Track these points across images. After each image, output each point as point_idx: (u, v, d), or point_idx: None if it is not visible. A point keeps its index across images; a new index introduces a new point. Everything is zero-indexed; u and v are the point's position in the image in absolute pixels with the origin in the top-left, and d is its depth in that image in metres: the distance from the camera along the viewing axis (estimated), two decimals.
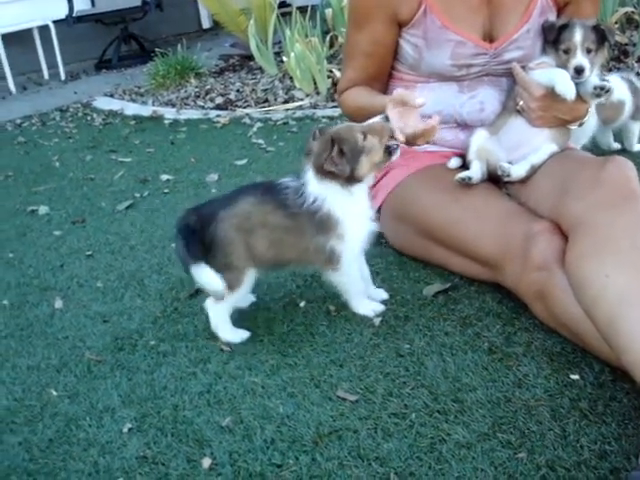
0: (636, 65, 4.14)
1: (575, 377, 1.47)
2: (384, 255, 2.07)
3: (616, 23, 4.35)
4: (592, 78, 1.82)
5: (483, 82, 1.95)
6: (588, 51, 1.82)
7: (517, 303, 1.72)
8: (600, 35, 1.83)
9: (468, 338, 1.64)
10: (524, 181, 1.88)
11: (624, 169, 1.60)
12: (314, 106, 4.12)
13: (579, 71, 1.80)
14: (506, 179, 1.87)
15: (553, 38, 1.85)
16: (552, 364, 1.53)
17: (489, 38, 1.91)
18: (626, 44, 4.33)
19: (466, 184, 1.86)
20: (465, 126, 1.99)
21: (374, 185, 2.12)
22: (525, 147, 1.88)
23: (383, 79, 2.11)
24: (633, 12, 4.39)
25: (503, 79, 1.95)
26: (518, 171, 1.85)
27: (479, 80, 1.95)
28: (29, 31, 6.82)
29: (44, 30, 6.82)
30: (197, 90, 4.85)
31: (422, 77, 2.00)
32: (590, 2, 1.96)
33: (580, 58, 1.81)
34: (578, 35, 1.82)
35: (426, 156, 2.03)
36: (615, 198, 1.53)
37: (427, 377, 1.52)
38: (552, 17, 1.93)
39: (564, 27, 1.83)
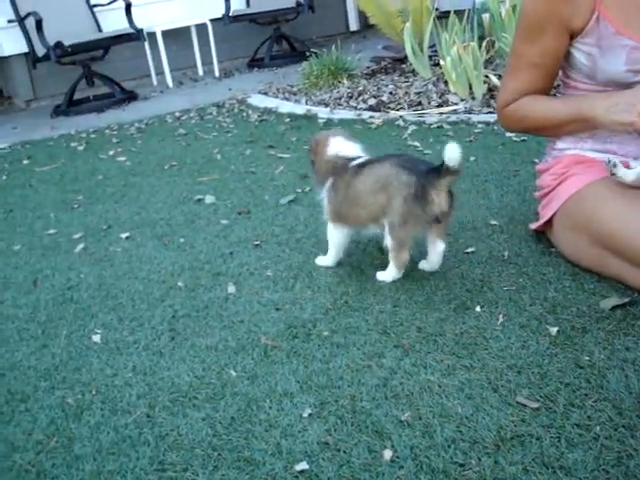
0: None
1: None
2: (555, 265, 2.04)
3: None
4: None
5: None
6: None
7: None
8: None
9: None
10: None
11: None
12: (469, 111, 4.09)
13: None
14: None
15: None
16: None
17: None
18: None
19: (610, 170, 1.85)
20: None
21: (547, 193, 2.10)
22: None
23: (548, 91, 2.09)
24: None
25: None
26: None
27: None
28: (187, 29, 7.14)
29: (201, 28, 7.12)
30: (349, 91, 4.92)
31: (599, 86, 1.95)
32: None
33: None
34: None
35: (603, 166, 1.99)
36: None
37: (610, 391, 1.49)
38: None
39: None
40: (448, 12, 4.72)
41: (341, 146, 2.16)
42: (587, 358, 1.60)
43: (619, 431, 1.38)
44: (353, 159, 2.11)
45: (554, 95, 2.16)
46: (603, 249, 1.88)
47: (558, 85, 2.17)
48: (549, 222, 2.10)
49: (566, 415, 1.43)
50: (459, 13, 4.71)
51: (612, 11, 1.84)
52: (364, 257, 2.28)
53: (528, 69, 2.03)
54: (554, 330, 1.71)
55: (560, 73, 2.11)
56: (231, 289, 2.19)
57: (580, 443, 1.35)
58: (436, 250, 2.05)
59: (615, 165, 1.85)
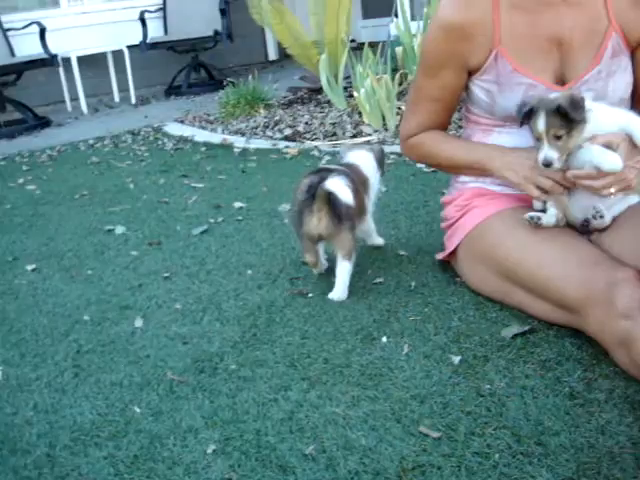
0: None
1: None
2: (460, 294, 2.08)
3: None
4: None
5: None
6: (557, 137, 1.75)
7: (597, 349, 1.72)
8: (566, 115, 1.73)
9: (549, 382, 1.64)
10: (605, 229, 1.89)
11: None
12: (382, 142, 4.16)
13: (547, 165, 1.77)
14: (596, 222, 1.87)
15: (524, 123, 1.83)
16: (635, 412, 1.52)
17: (560, 80, 1.93)
18: None
19: (535, 224, 1.89)
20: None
21: (451, 224, 2.15)
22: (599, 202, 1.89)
23: (446, 125, 2.19)
24: None
25: None
26: (606, 219, 1.86)
27: None
28: (103, 55, 7.06)
29: (118, 55, 7.05)
30: (266, 120, 4.95)
31: (498, 121, 2.02)
32: None
33: (546, 150, 1.76)
34: (541, 123, 1.75)
35: (505, 198, 2.05)
36: None
37: (509, 418, 1.52)
38: (625, 59, 1.91)
39: (530, 112, 1.78)
40: (364, 44, 4.82)
41: None
42: (488, 386, 1.64)
43: (517, 458, 1.41)
44: None
45: (456, 133, 2.23)
46: (505, 279, 1.94)
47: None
48: (454, 252, 2.15)
49: (466, 444, 1.46)
50: (374, 45, 4.81)
51: (510, 50, 1.92)
52: (273, 289, 2.28)
53: (428, 102, 2.11)
54: (457, 359, 1.75)
55: (463, 108, 2.18)
56: (138, 323, 2.15)
57: (479, 471, 1.38)
58: (339, 271, 2.12)
59: (539, 219, 1.90)
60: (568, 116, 1.73)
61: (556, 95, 1.78)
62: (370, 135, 4.30)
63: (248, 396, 1.71)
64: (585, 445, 1.43)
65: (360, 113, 4.55)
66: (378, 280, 2.24)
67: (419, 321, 1.95)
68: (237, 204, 3.26)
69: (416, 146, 2.16)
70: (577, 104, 1.74)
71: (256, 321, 2.07)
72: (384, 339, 1.89)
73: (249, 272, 2.43)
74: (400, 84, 4.57)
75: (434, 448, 1.45)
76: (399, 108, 4.34)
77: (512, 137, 2.00)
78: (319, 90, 5.29)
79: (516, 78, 1.92)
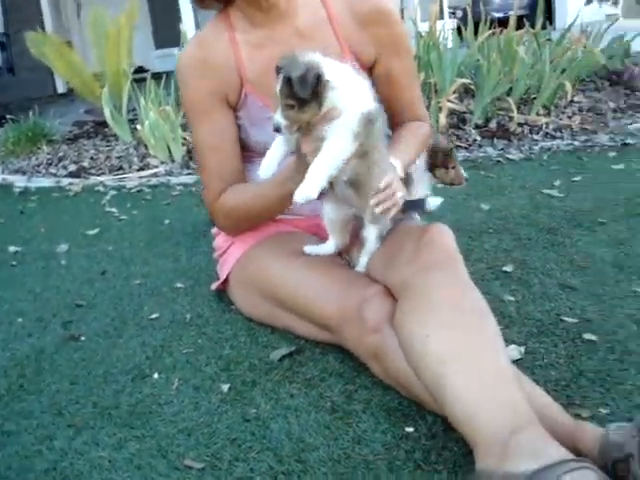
0: (474, 132, 4.48)
1: (410, 430, 1.57)
2: (233, 322, 2.12)
3: (454, 92, 4.70)
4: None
5: None
6: (290, 106, 1.61)
7: (358, 362, 1.81)
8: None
9: (312, 399, 1.71)
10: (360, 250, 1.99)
11: (442, 234, 1.75)
12: (169, 173, 4.16)
13: (276, 129, 1.66)
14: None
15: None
16: (390, 419, 1.62)
17: None
18: (464, 112, 4.69)
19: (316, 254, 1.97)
20: None
21: (222, 254, 2.19)
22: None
23: (240, 175, 2.07)
24: (470, 83, 4.76)
25: None
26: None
27: None
28: None
29: None
30: (49, 157, 4.79)
31: (257, 152, 2.04)
32: (398, 59, 2.03)
33: (277, 116, 1.64)
34: (277, 86, 1.61)
35: (272, 225, 2.12)
36: (435, 261, 1.66)
37: (272, 440, 1.57)
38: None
39: (277, 69, 1.63)
40: (156, 73, 4.79)
41: None
42: (254, 411, 1.68)
43: (278, 479, 1.45)
44: None
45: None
46: (273, 303, 2.00)
47: None
48: (227, 281, 2.19)
49: (230, 471, 1.48)
50: (158, 76, 4.80)
51: (257, 86, 1.98)
52: (45, 335, 2.20)
53: (211, 154, 2.02)
54: (226, 387, 1.78)
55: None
56: None
57: None
58: None
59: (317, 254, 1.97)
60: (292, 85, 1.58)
61: (300, 61, 1.60)
62: (157, 167, 4.28)
63: (12, 450, 1.63)
64: (342, 456, 1.50)
65: (146, 146, 4.52)
66: (154, 316, 2.23)
67: (191, 354, 1.97)
68: (12, 248, 3.11)
69: (223, 206, 2.02)
70: (305, 80, 1.56)
71: (24, 371, 1.99)
72: (155, 375, 1.88)
73: (19, 320, 2.33)
74: (184, 115, 4.58)
75: (197, 479, 1.47)
76: (184, 139, 4.36)
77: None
78: (105, 123, 5.19)
79: (265, 113, 1.94)
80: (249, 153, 2.09)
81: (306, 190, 1.65)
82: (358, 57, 2.00)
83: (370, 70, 2.04)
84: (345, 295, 1.79)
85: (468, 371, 1.42)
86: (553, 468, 1.17)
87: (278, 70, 1.62)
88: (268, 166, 1.79)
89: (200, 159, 2.08)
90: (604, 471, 1.21)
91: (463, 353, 1.44)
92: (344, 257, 2.05)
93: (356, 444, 1.54)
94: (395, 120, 2.06)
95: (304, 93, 1.58)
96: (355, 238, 2.00)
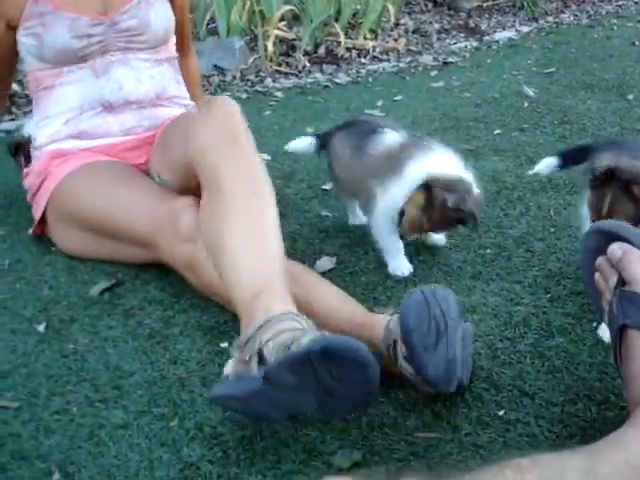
0: (303, 58, 4.52)
1: (224, 345, 1.63)
2: (54, 263, 2.08)
3: (282, 20, 4.69)
4: None
5: (112, 63, 2.09)
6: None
7: (177, 289, 1.86)
8: None
9: (130, 328, 1.74)
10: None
11: (227, 106, 1.76)
12: None
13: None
14: None
15: None
16: (205, 337, 1.69)
17: (104, 12, 2.06)
18: (293, 39, 4.71)
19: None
20: (111, 108, 2.11)
21: (34, 194, 2.14)
22: None
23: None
24: (297, 9, 4.76)
25: (130, 56, 2.11)
26: None
27: (108, 62, 2.08)
28: None
29: None
30: None
31: (53, 67, 2.08)
32: None
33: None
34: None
35: (80, 155, 2.11)
36: (221, 136, 1.69)
37: (90, 371, 1.60)
38: None
39: None
40: None
41: None
42: (72, 346, 1.69)
43: (94, 406, 1.49)
44: None
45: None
46: (92, 233, 2.00)
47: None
48: (46, 222, 2.14)
49: (46, 405, 1.50)
50: None
51: None
52: None
53: None
54: (42, 327, 1.77)
55: (29, 77, 2.16)
56: None
57: (57, 428, 1.43)
58: None
59: None
60: None
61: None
62: None
63: None
64: (157, 378, 1.56)
65: None
66: None
67: (8, 299, 1.93)
68: None
69: None
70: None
71: None
72: None
73: None
74: None
75: (14, 418, 1.47)
76: None
77: (74, 86, 2.09)
78: None
79: (59, 15, 2.00)
80: (47, 73, 2.10)
81: None
82: None
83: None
84: (158, 208, 1.84)
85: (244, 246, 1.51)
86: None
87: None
88: None
89: None
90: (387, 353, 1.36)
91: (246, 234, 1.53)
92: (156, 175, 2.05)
93: (172, 365, 1.60)
94: (181, 42, 2.34)
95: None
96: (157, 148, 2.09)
